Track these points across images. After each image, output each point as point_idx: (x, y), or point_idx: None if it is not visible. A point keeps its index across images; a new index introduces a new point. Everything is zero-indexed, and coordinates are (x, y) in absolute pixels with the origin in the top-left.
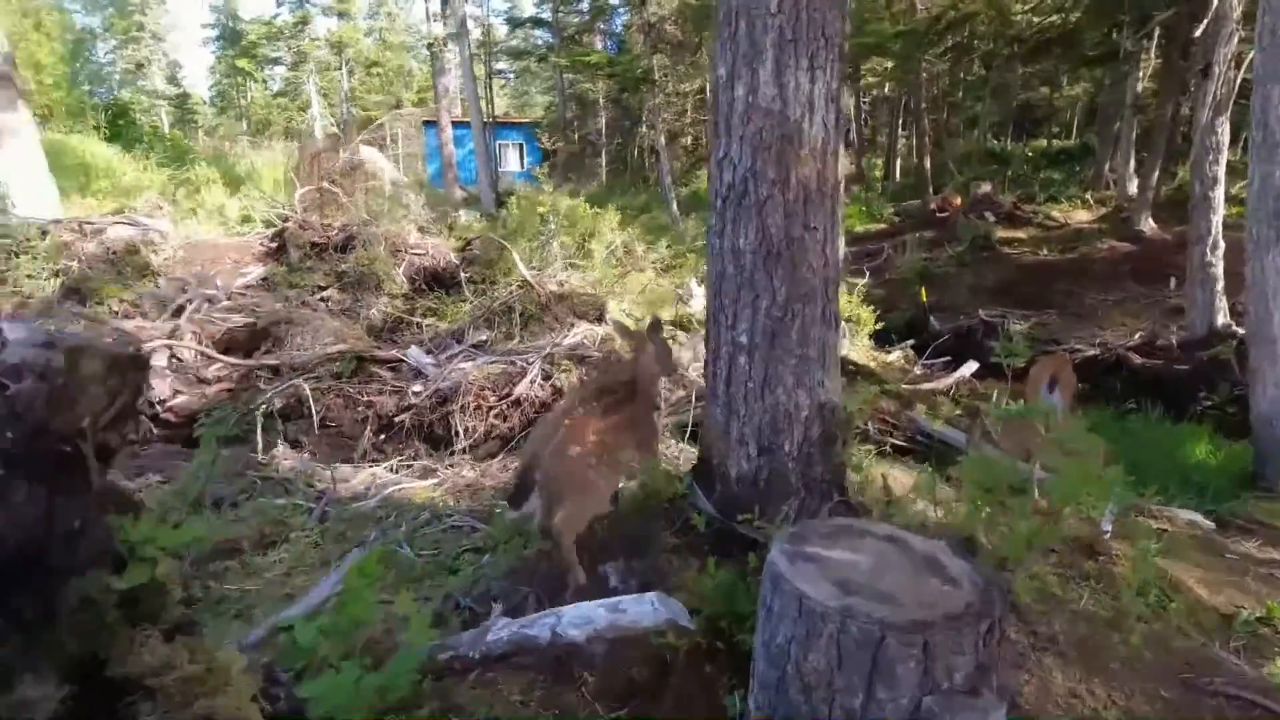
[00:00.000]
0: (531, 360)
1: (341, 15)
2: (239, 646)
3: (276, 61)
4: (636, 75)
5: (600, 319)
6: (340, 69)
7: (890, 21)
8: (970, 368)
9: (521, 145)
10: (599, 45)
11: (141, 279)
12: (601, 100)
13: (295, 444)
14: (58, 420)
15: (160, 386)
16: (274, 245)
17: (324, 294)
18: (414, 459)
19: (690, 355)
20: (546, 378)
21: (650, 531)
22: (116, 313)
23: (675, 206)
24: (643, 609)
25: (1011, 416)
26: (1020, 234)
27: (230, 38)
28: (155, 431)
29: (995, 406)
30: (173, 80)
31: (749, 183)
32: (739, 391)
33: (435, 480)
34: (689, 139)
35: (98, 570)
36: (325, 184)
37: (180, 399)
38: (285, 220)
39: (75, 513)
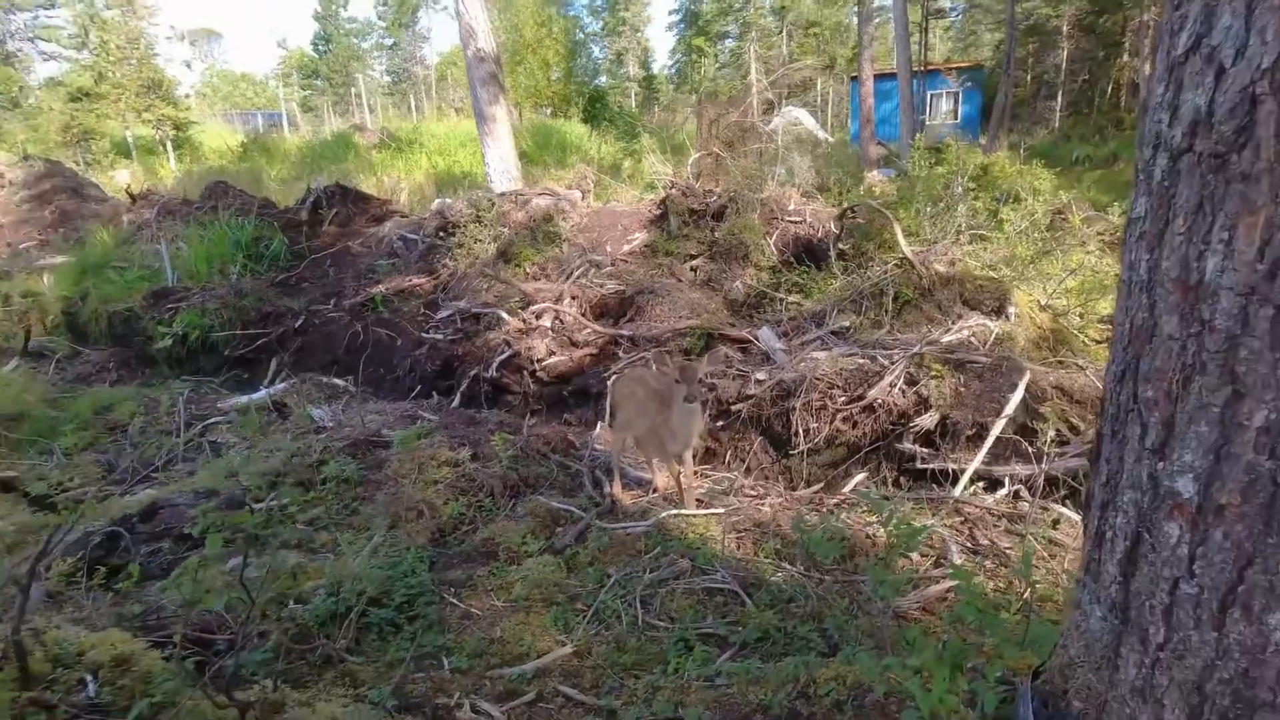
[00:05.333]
0: (896, 358)
1: None
2: None
3: (725, 35)
4: None
5: (999, 311)
6: (780, 33)
7: None
8: None
9: (957, 94)
10: None
11: (550, 244)
12: (1065, 29)
13: None
14: None
15: (539, 346)
16: (658, 212)
17: (693, 262)
18: (747, 453)
19: None
20: (911, 382)
21: None
22: (528, 274)
23: None
24: None
25: None
26: None
27: (690, 19)
28: (532, 386)
29: None
30: (643, 65)
31: (1253, 113)
32: (1156, 592)
33: (724, 509)
34: None
35: None
36: (717, 149)
37: (554, 359)
38: (671, 186)
39: None
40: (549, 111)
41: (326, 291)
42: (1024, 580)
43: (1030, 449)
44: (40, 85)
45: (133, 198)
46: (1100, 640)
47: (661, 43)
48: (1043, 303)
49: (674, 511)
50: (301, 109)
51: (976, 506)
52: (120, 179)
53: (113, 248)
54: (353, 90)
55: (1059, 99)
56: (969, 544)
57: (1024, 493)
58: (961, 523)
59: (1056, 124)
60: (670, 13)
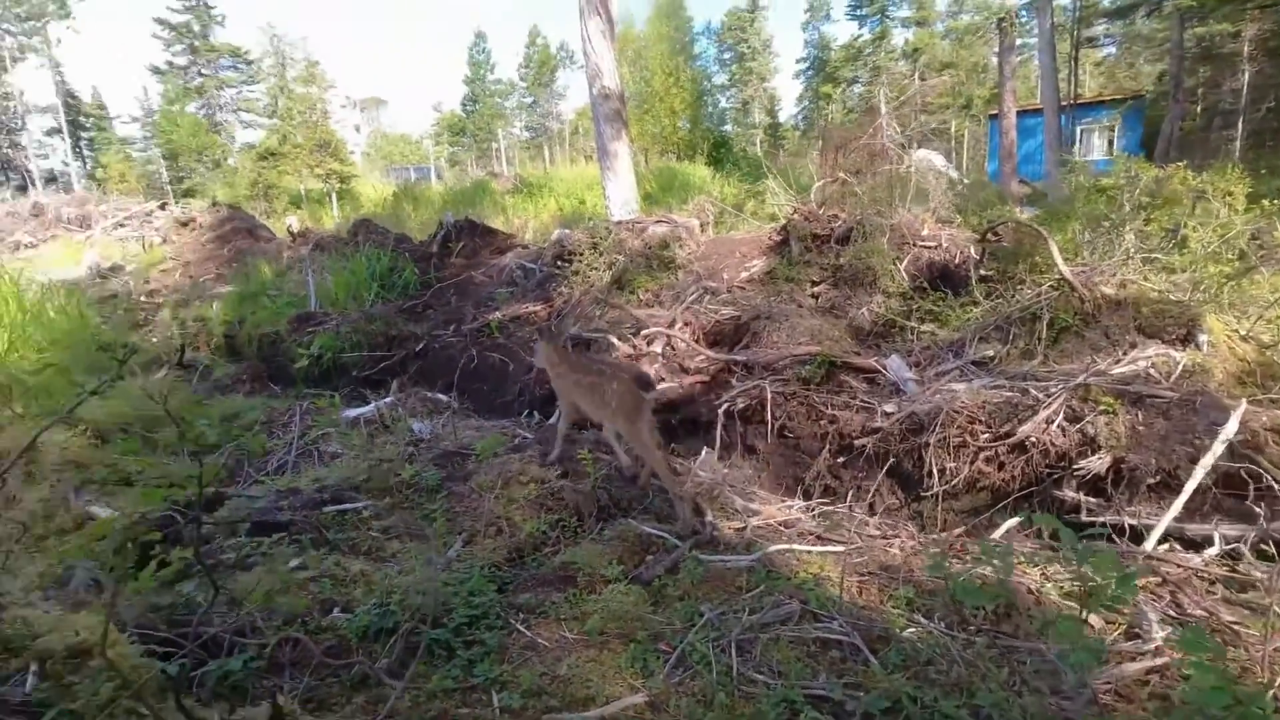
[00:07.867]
0: (1053, 391)
1: (920, 24)
2: None
3: (854, 80)
4: None
5: (1185, 339)
6: (913, 76)
7: None
8: None
9: (1113, 128)
10: None
11: (666, 271)
12: (1246, 50)
13: (750, 450)
14: None
15: (648, 372)
16: (779, 239)
17: (816, 289)
18: (875, 493)
19: None
20: (1073, 419)
21: None
22: (642, 301)
23: None
24: None
25: None
26: None
27: (818, 67)
28: None
29: None
30: (769, 113)
31: None
32: None
33: (841, 546)
34: None
35: None
36: (844, 175)
37: (663, 385)
38: (794, 212)
39: None
40: (674, 157)
41: (448, 317)
42: None
43: (1241, 504)
44: (238, 149)
45: (293, 236)
46: None
47: (788, 90)
48: (1243, 333)
49: (786, 548)
50: (449, 164)
51: (1179, 565)
52: (290, 223)
53: (270, 279)
54: (494, 145)
55: (1239, 128)
56: (1173, 612)
57: (1245, 553)
58: (1159, 584)
59: (1235, 156)
60: (797, 61)
